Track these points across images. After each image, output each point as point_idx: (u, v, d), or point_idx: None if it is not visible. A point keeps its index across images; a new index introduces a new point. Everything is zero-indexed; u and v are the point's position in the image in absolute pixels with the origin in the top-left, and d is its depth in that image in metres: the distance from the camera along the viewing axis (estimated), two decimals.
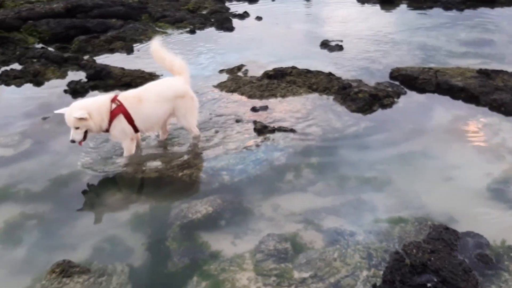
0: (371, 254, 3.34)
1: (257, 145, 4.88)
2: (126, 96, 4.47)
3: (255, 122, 5.31)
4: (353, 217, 3.77)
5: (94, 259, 3.42)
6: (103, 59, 7.90)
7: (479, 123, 5.27)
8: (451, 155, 4.64)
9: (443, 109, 5.68)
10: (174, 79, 4.76)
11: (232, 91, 6.32)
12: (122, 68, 7.12)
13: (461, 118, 5.43)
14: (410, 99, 6.02)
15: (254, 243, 3.51)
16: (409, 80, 6.41)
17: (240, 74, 7.02)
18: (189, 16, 10.57)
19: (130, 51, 8.42)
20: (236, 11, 11.12)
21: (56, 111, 4.22)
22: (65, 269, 3.22)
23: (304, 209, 3.90)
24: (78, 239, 3.68)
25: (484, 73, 6.24)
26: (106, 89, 6.49)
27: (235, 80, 6.65)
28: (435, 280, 2.87)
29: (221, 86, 6.49)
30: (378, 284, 2.95)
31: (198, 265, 3.32)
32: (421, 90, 6.22)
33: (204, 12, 11.28)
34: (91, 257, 3.45)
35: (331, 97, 6.03)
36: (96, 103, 4.35)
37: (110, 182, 4.38)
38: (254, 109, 5.74)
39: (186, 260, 3.37)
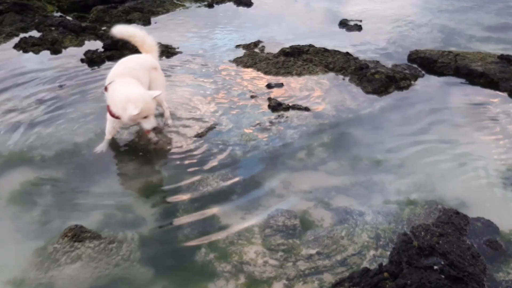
0: (379, 235, 3.36)
1: (271, 122, 4.87)
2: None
3: (269, 99, 5.29)
4: (363, 198, 3.77)
5: (105, 225, 3.47)
6: None
7: (497, 110, 5.18)
8: (466, 140, 4.59)
9: (461, 94, 5.60)
10: (143, 54, 4.70)
11: (248, 67, 6.29)
12: None
13: (479, 103, 5.35)
14: (428, 83, 5.94)
15: (264, 218, 3.53)
16: (427, 63, 6.32)
17: (256, 50, 6.97)
18: None
19: (147, 22, 8.36)
20: None
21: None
22: (77, 234, 3.28)
23: (315, 187, 3.91)
24: (90, 205, 3.73)
25: (506, 59, 6.13)
26: None
27: (252, 56, 6.60)
28: (442, 263, 2.87)
29: (237, 61, 6.46)
30: (384, 263, 2.96)
31: (207, 237, 3.36)
32: (440, 73, 6.13)
33: None
34: (102, 223, 3.50)
35: (347, 77, 5.97)
36: None
37: (123, 152, 4.43)
38: (269, 86, 5.71)
39: (195, 232, 3.42)
